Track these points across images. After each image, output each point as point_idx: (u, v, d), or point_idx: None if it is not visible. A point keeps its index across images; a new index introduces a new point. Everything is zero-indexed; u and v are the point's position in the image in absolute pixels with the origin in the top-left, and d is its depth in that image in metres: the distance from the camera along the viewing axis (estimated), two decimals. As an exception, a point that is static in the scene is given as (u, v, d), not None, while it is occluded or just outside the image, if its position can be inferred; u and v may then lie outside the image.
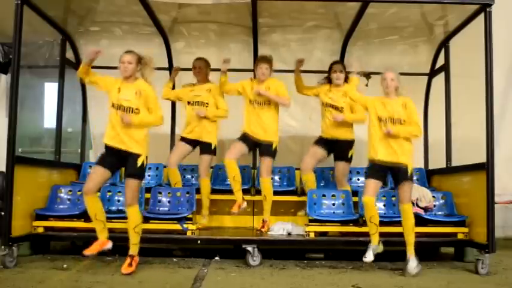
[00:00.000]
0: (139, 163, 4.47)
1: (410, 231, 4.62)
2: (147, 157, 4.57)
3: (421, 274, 4.59)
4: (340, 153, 5.67)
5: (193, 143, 5.75)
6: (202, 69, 5.78)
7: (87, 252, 4.45)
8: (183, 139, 5.79)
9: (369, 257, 4.63)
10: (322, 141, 5.73)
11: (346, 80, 5.72)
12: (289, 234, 5.35)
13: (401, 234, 5.06)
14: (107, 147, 4.55)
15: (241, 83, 5.61)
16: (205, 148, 5.69)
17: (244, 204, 5.49)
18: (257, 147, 5.60)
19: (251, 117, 5.50)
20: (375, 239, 4.69)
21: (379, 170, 4.68)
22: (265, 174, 5.47)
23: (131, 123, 4.43)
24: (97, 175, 4.51)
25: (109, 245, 4.59)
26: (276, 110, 5.53)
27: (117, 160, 4.54)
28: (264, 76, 5.47)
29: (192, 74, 5.90)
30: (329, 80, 5.76)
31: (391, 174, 4.80)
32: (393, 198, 5.44)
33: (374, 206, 4.66)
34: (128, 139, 4.46)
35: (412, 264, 4.55)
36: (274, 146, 5.47)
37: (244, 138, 5.52)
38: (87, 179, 4.61)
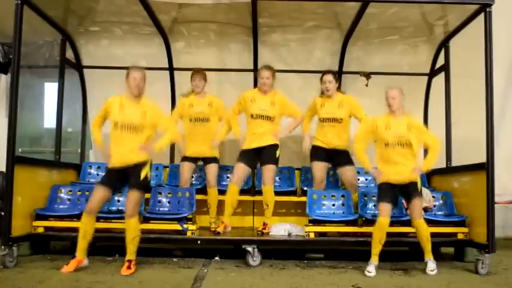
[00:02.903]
0: (142, 174, 4.48)
1: (426, 242, 4.66)
2: (151, 166, 4.61)
3: (421, 274, 4.61)
4: (344, 159, 5.58)
5: (197, 160, 5.73)
6: (201, 80, 5.62)
7: (65, 270, 4.42)
8: (185, 159, 5.69)
9: (373, 271, 4.60)
10: (321, 152, 5.58)
11: (339, 87, 5.68)
12: (289, 234, 5.35)
13: (401, 235, 5.10)
14: (111, 169, 4.51)
15: (238, 102, 5.51)
16: (210, 160, 5.67)
17: (229, 229, 5.41)
18: (259, 154, 5.43)
19: (253, 129, 5.39)
20: (376, 258, 4.68)
21: (390, 192, 4.69)
22: (268, 182, 5.39)
23: (154, 152, 4.51)
24: (100, 195, 4.48)
25: (85, 262, 4.56)
26: (280, 122, 5.48)
27: (122, 178, 4.53)
28: (266, 86, 5.36)
29: (191, 75, 5.83)
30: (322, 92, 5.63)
31: (401, 193, 4.79)
32: (393, 198, 5.45)
33: (387, 228, 4.66)
34: (134, 153, 4.47)
35: (431, 265, 4.61)
36: (277, 154, 5.38)
37: (245, 157, 5.41)
38: (90, 198, 4.56)
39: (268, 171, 5.38)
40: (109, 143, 4.55)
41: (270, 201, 5.45)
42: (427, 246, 4.67)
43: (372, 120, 4.91)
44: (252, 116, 5.40)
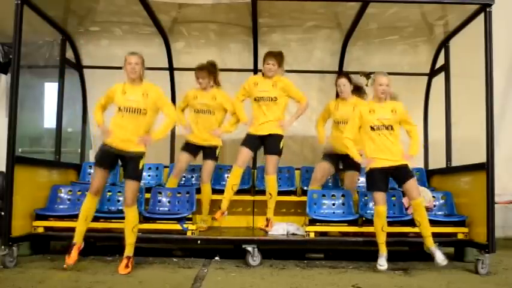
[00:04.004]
0: (140, 165, 4.57)
1: (428, 224, 4.65)
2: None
3: (421, 274, 4.61)
4: (351, 163, 5.49)
5: (197, 148, 5.73)
6: (204, 78, 5.66)
7: (71, 261, 4.49)
8: (185, 148, 5.74)
9: (385, 264, 4.64)
10: (333, 156, 5.62)
11: (358, 89, 5.68)
12: (287, 233, 5.35)
13: (401, 234, 5.10)
14: (107, 146, 4.57)
15: (243, 87, 5.57)
16: (209, 153, 5.67)
17: (226, 214, 5.47)
18: (263, 143, 5.49)
19: (258, 113, 5.44)
20: (383, 248, 4.71)
21: (381, 179, 4.70)
22: (271, 171, 5.42)
23: (153, 141, 4.59)
24: (102, 176, 4.58)
25: (82, 245, 4.65)
26: (284, 106, 5.49)
27: (116, 158, 4.61)
28: (271, 72, 5.41)
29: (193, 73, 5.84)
30: (337, 95, 5.67)
31: (393, 177, 4.80)
32: (393, 198, 5.44)
33: (386, 215, 4.70)
34: (134, 142, 4.53)
35: (440, 254, 4.58)
36: (281, 145, 5.40)
37: (249, 141, 5.45)
38: (91, 181, 4.64)
39: (272, 161, 5.41)
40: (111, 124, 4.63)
41: (273, 190, 5.46)
42: (429, 230, 4.65)
43: (356, 111, 4.91)
44: (255, 99, 5.46)
